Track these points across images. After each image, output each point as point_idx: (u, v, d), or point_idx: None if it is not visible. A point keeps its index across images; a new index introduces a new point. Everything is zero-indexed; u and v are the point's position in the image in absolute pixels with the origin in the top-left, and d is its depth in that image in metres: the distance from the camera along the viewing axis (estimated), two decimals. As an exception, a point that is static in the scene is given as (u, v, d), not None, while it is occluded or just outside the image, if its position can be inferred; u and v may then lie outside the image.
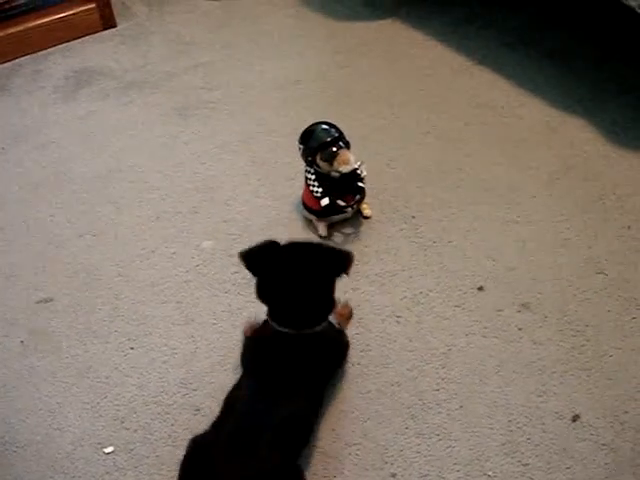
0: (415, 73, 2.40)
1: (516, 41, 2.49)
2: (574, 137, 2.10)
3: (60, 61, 2.57)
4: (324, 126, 1.82)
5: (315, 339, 1.43)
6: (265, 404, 1.34)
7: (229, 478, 1.26)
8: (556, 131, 2.13)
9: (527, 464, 1.39)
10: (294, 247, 1.47)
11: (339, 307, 1.58)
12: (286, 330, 1.41)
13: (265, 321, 1.47)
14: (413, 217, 1.89)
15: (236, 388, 1.43)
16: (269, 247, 1.44)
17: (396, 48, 2.52)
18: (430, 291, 1.71)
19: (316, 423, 1.44)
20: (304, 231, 1.86)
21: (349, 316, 1.63)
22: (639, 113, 2.15)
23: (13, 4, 2.56)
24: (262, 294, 1.46)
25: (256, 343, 1.49)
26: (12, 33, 2.55)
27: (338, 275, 1.44)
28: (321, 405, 1.46)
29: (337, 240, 1.84)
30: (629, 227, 1.83)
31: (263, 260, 1.43)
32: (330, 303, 1.46)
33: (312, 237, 1.84)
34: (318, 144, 1.79)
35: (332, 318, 1.51)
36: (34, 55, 2.60)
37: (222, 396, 1.50)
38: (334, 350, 1.53)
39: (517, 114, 2.20)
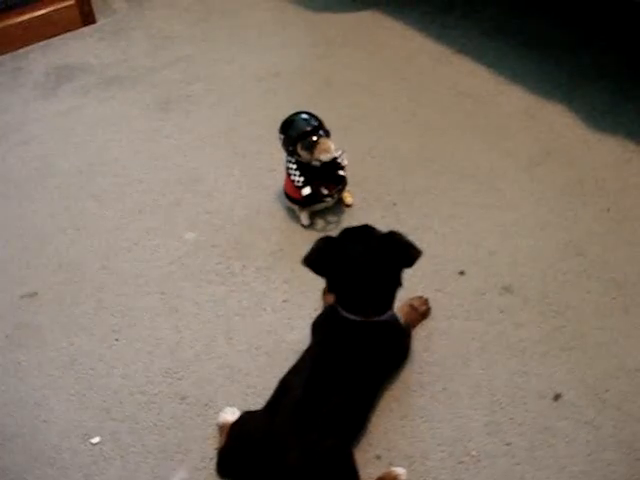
0: (395, 63, 2.41)
1: (495, 30, 2.51)
2: (553, 122, 2.12)
3: (40, 58, 2.57)
4: (304, 116, 1.83)
5: (380, 327, 1.44)
6: (322, 389, 1.34)
7: (278, 458, 1.26)
8: (535, 117, 2.14)
9: (510, 443, 1.41)
10: (361, 234, 1.48)
11: (415, 301, 1.61)
12: (354, 317, 1.42)
13: (331, 307, 1.47)
14: (394, 204, 1.90)
15: (293, 371, 1.41)
16: (327, 244, 1.46)
17: (376, 38, 2.53)
18: (412, 276, 1.70)
19: (370, 412, 1.44)
20: (286, 221, 1.87)
21: (424, 313, 1.62)
22: (617, 98, 2.17)
23: (-8, 2, 2.56)
24: (331, 284, 1.47)
25: (323, 328, 1.49)
26: (-9, 31, 2.55)
27: (404, 267, 1.46)
28: (376, 396, 1.46)
29: (319, 228, 1.85)
30: (608, 210, 1.85)
31: (326, 258, 1.44)
32: (394, 292, 1.46)
33: (295, 226, 1.85)
34: (298, 133, 1.79)
35: (400, 314, 1.52)
36: (14, 53, 2.60)
37: (207, 385, 1.53)
38: (395, 342, 1.50)
39: (497, 101, 2.22)
